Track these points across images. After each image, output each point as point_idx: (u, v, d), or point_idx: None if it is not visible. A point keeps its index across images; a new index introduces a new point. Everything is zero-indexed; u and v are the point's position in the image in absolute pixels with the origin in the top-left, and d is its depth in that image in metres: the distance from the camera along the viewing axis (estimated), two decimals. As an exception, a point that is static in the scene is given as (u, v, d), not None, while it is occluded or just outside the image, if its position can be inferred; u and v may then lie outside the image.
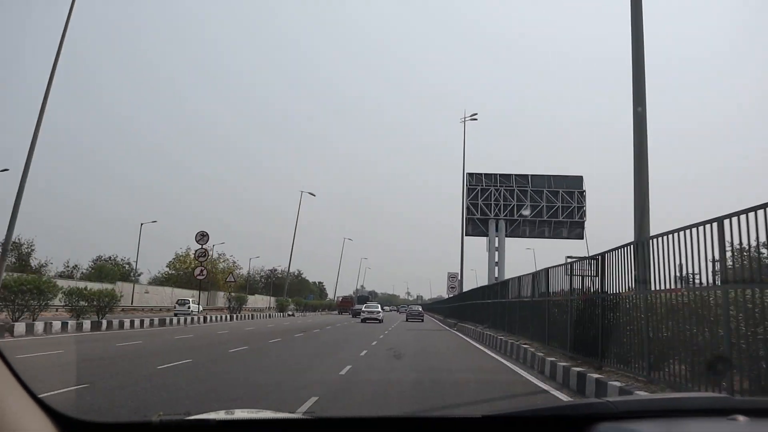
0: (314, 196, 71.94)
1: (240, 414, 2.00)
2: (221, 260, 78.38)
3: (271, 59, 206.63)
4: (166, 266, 74.92)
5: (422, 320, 49.70)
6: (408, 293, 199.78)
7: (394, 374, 11.59)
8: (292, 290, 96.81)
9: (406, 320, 48.62)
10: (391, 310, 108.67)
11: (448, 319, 46.63)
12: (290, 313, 58.12)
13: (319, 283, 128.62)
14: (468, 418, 1.75)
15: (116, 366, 11.63)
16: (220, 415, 1.75)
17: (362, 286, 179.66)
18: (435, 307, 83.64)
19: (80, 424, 1.25)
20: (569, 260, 12.42)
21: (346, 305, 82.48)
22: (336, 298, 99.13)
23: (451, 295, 56.86)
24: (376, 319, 43.74)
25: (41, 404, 1.12)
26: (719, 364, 6.32)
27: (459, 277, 54.10)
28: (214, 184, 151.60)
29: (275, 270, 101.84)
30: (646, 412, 1.72)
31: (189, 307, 43.70)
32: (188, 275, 64.63)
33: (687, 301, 7.26)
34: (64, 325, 21.91)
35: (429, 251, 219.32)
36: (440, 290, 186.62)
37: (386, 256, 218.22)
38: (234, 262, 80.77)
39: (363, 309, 47.66)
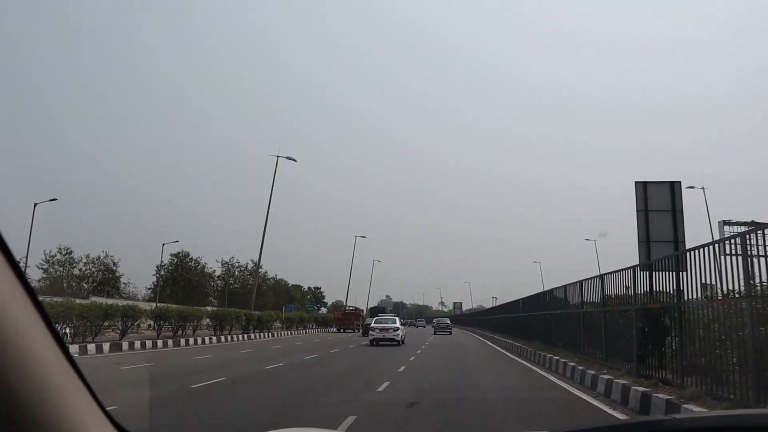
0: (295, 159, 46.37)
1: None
2: None
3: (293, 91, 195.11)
4: None
5: (450, 332, 52.60)
6: (442, 303, 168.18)
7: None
8: (263, 297, 67.86)
9: (434, 333, 52.11)
10: (416, 325, 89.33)
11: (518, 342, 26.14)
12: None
13: (315, 288, 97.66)
14: None
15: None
16: None
17: (388, 296, 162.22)
18: (481, 319, 58.41)
19: None
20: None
21: (348, 320, 59.01)
22: (334, 311, 72.06)
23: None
24: (392, 339, 29.51)
25: (109, 417, 1.19)
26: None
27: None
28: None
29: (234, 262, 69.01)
30: (720, 429, 1.41)
31: None
32: None
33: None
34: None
35: (463, 258, 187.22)
36: (482, 299, 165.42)
37: (414, 263, 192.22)
38: None
39: (372, 325, 31.76)
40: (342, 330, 57.20)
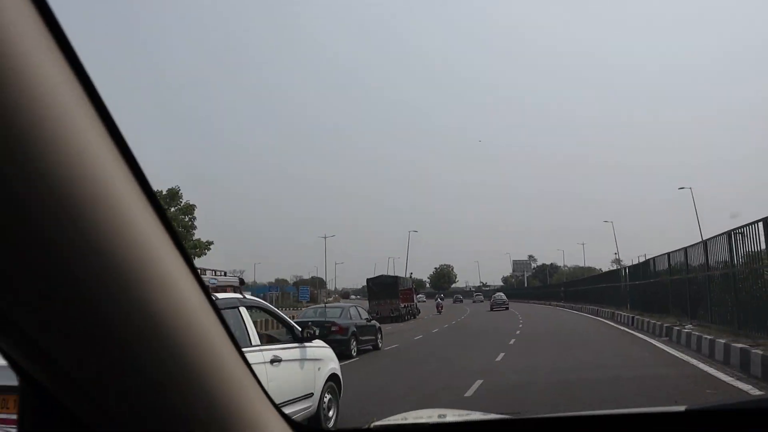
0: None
1: (452, 417, 2.07)
2: None
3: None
4: None
5: (507, 308, 51.20)
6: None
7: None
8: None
9: (491, 309, 50.69)
10: (473, 300, 79.78)
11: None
12: None
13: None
14: (670, 413, 1.61)
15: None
16: (434, 417, 1.84)
17: (532, 258, 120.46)
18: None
19: (306, 430, 1.44)
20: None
21: None
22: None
23: None
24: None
25: (279, 411, 1.26)
26: None
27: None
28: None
29: None
30: None
31: None
32: None
33: None
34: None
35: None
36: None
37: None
38: None
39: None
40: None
